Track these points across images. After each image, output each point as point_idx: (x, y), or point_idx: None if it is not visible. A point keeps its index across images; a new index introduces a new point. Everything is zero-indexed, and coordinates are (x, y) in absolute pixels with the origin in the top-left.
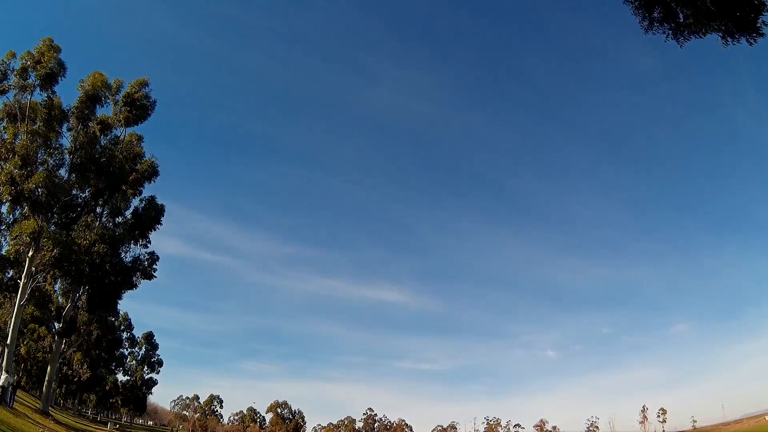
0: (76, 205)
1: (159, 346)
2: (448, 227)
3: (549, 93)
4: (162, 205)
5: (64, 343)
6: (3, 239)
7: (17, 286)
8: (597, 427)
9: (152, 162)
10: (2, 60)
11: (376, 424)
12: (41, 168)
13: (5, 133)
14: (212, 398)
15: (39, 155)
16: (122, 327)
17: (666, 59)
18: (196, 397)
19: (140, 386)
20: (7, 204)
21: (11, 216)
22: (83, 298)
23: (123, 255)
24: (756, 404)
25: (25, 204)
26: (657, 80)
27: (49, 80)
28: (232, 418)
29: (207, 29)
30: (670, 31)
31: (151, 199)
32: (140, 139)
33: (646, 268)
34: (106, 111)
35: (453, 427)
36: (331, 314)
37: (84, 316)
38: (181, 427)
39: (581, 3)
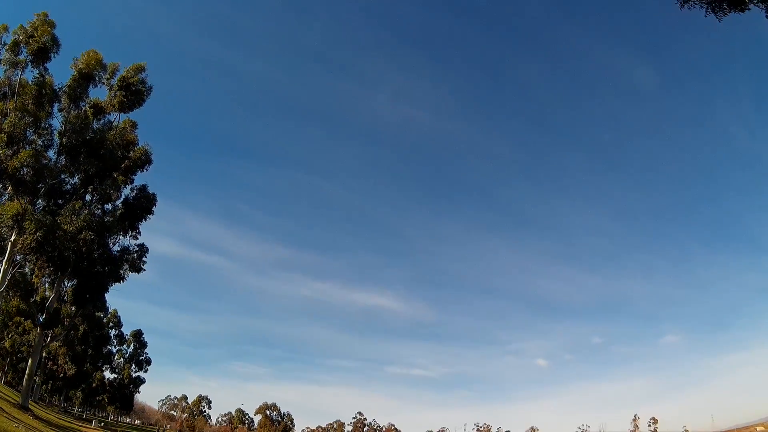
0: (64, 191)
1: (148, 345)
2: (441, 234)
3: (545, 102)
4: (154, 194)
5: (48, 336)
6: None
7: None
8: None
9: (146, 150)
10: None
11: (365, 428)
12: (28, 148)
13: None
14: (201, 399)
15: (28, 135)
16: (111, 324)
17: (662, 70)
18: (185, 397)
19: (127, 384)
20: None
21: None
22: (69, 290)
23: (111, 245)
24: (745, 415)
25: (8, 183)
26: (652, 91)
27: (41, 56)
28: (220, 419)
29: (206, 32)
30: (707, 5)
31: (143, 188)
32: (134, 125)
33: (637, 279)
34: (100, 95)
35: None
36: (322, 318)
37: (69, 309)
38: (168, 426)
39: (578, 14)
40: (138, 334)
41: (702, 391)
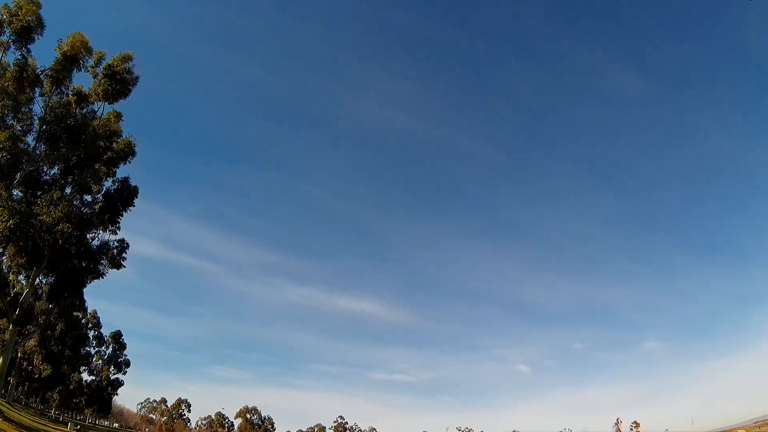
0: (42, 182)
1: (127, 346)
2: (426, 240)
3: (531, 108)
4: (135, 187)
5: (23, 334)
6: None
7: None
8: None
9: (129, 141)
10: None
11: None
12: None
13: None
14: (180, 402)
15: (6, 120)
16: (90, 325)
17: (647, 77)
18: (164, 401)
19: (105, 386)
20: None
21: None
22: (45, 287)
23: (90, 240)
24: (725, 420)
25: None
26: (637, 98)
27: (24, 35)
28: (200, 423)
29: (194, 32)
30: None
31: (125, 180)
32: (119, 116)
33: (620, 286)
34: (85, 84)
35: None
36: (305, 323)
37: (44, 305)
38: (147, 430)
39: (565, 20)
40: (117, 336)
41: (682, 396)
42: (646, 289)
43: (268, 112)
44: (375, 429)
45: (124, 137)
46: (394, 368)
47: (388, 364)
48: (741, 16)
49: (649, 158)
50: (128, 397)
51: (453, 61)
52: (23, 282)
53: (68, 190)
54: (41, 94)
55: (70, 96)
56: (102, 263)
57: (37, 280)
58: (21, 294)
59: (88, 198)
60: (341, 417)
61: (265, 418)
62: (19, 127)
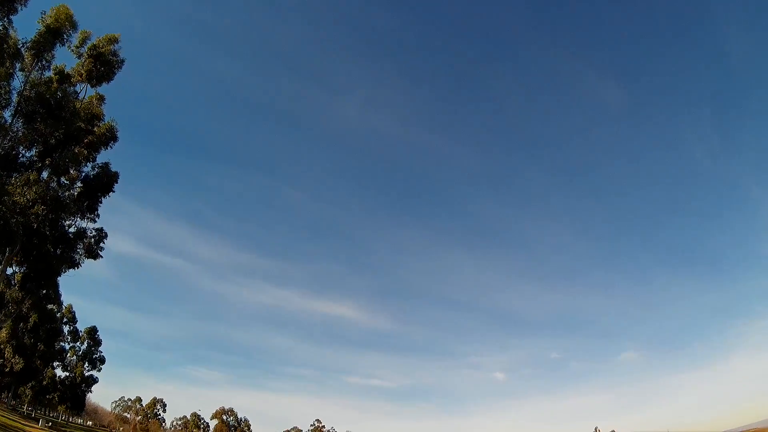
0: (19, 164)
1: (102, 343)
2: (404, 245)
3: (514, 117)
4: (116, 173)
5: None
6: None
7: None
8: None
9: (111, 126)
10: None
11: None
12: None
13: None
14: (155, 401)
15: None
16: (65, 319)
17: (631, 91)
18: (139, 399)
19: (80, 383)
20: None
21: None
22: (18, 276)
23: (67, 227)
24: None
25: None
26: (621, 114)
27: (6, 4)
28: (175, 423)
29: (175, 29)
30: None
31: (105, 166)
32: (102, 99)
33: (598, 297)
34: (68, 64)
35: None
36: (281, 325)
37: (16, 292)
38: (121, 429)
39: (551, 32)
40: (92, 331)
41: (659, 406)
42: (623, 301)
43: (250, 112)
44: None
45: (106, 121)
46: (370, 373)
47: (365, 369)
48: (721, 26)
49: (629, 167)
50: (102, 395)
51: (436, 65)
52: None
53: (45, 175)
54: (21, 69)
55: (52, 74)
56: (78, 251)
57: (9, 270)
58: None
59: (66, 182)
60: (318, 420)
61: (241, 420)
62: None
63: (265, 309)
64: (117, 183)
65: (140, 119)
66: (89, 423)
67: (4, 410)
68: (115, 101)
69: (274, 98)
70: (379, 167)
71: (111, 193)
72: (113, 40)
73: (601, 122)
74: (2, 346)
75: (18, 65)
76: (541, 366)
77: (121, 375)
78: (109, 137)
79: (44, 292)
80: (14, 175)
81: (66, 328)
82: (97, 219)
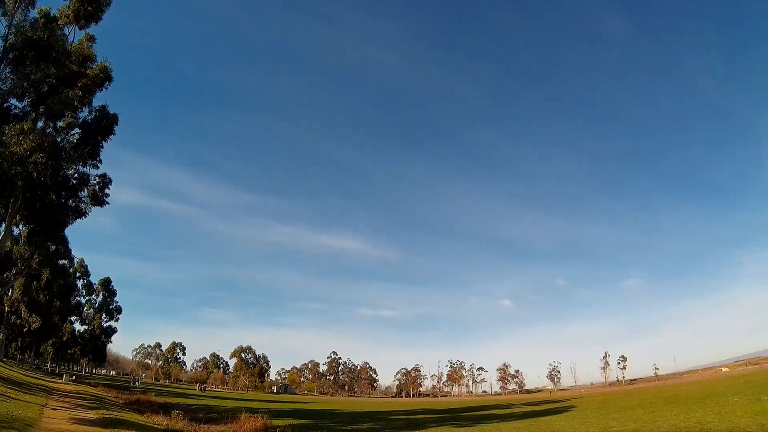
0: (12, 116)
1: (117, 293)
2: (407, 177)
3: (513, 46)
4: (115, 114)
5: (3, 282)
6: None
7: None
8: (559, 372)
9: (105, 66)
10: None
11: (340, 368)
12: None
13: None
14: (174, 345)
15: None
16: (78, 274)
17: (633, 18)
18: (158, 345)
19: (99, 335)
20: None
21: None
22: (24, 232)
23: (70, 175)
24: (705, 358)
25: None
26: (623, 39)
27: None
28: (195, 365)
29: None
30: None
31: (102, 108)
32: (92, 39)
33: (601, 224)
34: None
35: (417, 369)
36: (289, 262)
37: (23, 249)
38: (144, 375)
39: None
40: (106, 282)
41: (664, 333)
42: (627, 228)
43: (245, 53)
44: (368, 363)
45: (98, 62)
46: (380, 304)
47: (374, 300)
48: None
49: (634, 98)
50: (122, 345)
51: None
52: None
53: (40, 124)
54: (3, 14)
55: (38, 18)
56: (83, 200)
57: (16, 230)
58: None
59: (60, 123)
60: (334, 353)
61: (259, 357)
62: None
63: (272, 246)
64: (117, 125)
65: (133, 64)
66: (112, 372)
67: (27, 369)
68: (105, 46)
69: (270, 36)
70: (378, 99)
71: (112, 136)
72: None
73: (603, 49)
74: (17, 305)
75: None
76: (547, 292)
77: (138, 324)
78: (104, 78)
79: (54, 247)
80: (6, 127)
81: (80, 283)
82: (99, 165)
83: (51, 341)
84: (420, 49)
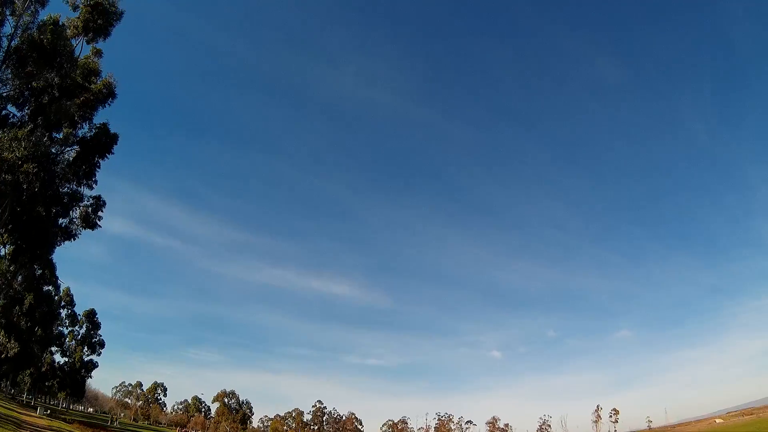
0: (9, 124)
1: (101, 326)
2: (400, 222)
3: (509, 92)
4: (115, 134)
5: None
6: None
7: None
8: (549, 426)
9: (109, 82)
10: None
11: (325, 417)
12: None
13: None
14: (156, 386)
15: None
16: (63, 303)
17: (632, 72)
18: (139, 384)
19: (79, 369)
20: None
21: None
22: (8, 251)
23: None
24: (697, 410)
25: None
26: (620, 92)
27: None
28: (176, 407)
29: (169, 2)
30: None
31: (103, 126)
32: (99, 53)
33: (593, 275)
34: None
35: (404, 421)
36: (278, 304)
37: (3, 265)
38: (123, 415)
39: (553, 7)
40: (91, 314)
41: (655, 384)
42: (619, 279)
43: (243, 87)
44: (354, 414)
45: (103, 77)
46: (368, 352)
47: (362, 348)
48: (724, 7)
49: (627, 146)
50: (102, 381)
51: (433, 40)
52: None
53: (38, 133)
54: (12, 13)
55: (46, 21)
56: (74, 220)
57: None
58: None
59: (59, 137)
60: (320, 401)
61: (243, 403)
62: None
63: (261, 288)
64: (116, 145)
65: (133, 96)
66: (90, 409)
67: (2, 399)
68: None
69: (268, 72)
70: (375, 142)
71: (110, 156)
72: None
73: (600, 99)
74: None
75: (8, 10)
76: (537, 343)
77: (120, 360)
78: (107, 94)
79: (40, 271)
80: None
81: (64, 312)
82: (94, 186)
83: (29, 371)
84: (419, 94)
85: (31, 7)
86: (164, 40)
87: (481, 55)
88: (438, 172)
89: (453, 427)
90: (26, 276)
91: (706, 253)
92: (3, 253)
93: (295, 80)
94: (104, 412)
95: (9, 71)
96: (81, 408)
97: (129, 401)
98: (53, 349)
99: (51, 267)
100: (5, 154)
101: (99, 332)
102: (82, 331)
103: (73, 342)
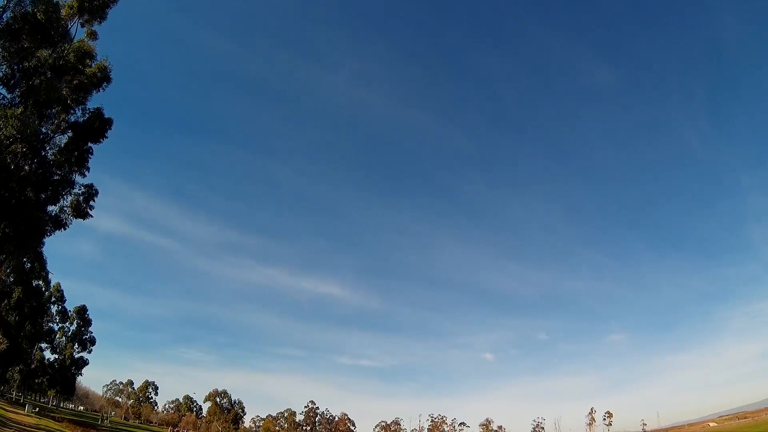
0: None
1: (92, 323)
2: (392, 224)
3: (504, 99)
4: (110, 119)
5: None
6: None
7: None
8: (543, 428)
9: (104, 66)
10: None
11: (317, 417)
12: None
13: None
14: (147, 384)
15: None
16: (53, 298)
17: (623, 76)
18: (130, 383)
19: (69, 366)
20: None
21: None
22: None
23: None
24: (689, 414)
25: None
26: (612, 96)
27: None
28: (167, 406)
29: (162, 2)
30: None
31: (97, 110)
32: (94, 35)
33: (585, 278)
34: None
35: (397, 423)
36: (269, 305)
37: None
38: (113, 413)
39: (545, 13)
40: (82, 311)
41: (647, 388)
42: (611, 282)
43: (236, 87)
44: (346, 414)
45: (98, 61)
46: (360, 353)
47: (355, 349)
48: (715, 12)
49: (619, 150)
50: (93, 379)
51: (426, 44)
52: None
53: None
54: None
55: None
56: (65, 209)
57: None
58: None
59: (50, 118)
60: (312, 402)
61: (235, 402)
62: None
63: (252, 288)
64: (110, 129)
65: (125, 94)
66: (80, 408)
67: None
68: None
69: (261, 72)
70: (367, 144)
71: (103, 139)
72: None
73: (593, 105)
74: None
75: None
76: (529, 346)
77: (110, 357)
78: (102, 78)
79: (29, 265)
80: None
81: (54, 308)
82: (86, 173)
83: (18, 368)
84: (412, 96)
85: None
86: (157, 40)
87: (474, 59)
88: (430, 174)
89: (446, 429)
90: (14, 267)
91: (698, 258)
92: None
93: (289, 81)
94: (95, 411)
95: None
96: (71, 406)
97: (120, 400)
98: (43, 345)
99: (41, 260)
100: None
101: (90, 329)
102: (73, 327)
103: (64, 338)
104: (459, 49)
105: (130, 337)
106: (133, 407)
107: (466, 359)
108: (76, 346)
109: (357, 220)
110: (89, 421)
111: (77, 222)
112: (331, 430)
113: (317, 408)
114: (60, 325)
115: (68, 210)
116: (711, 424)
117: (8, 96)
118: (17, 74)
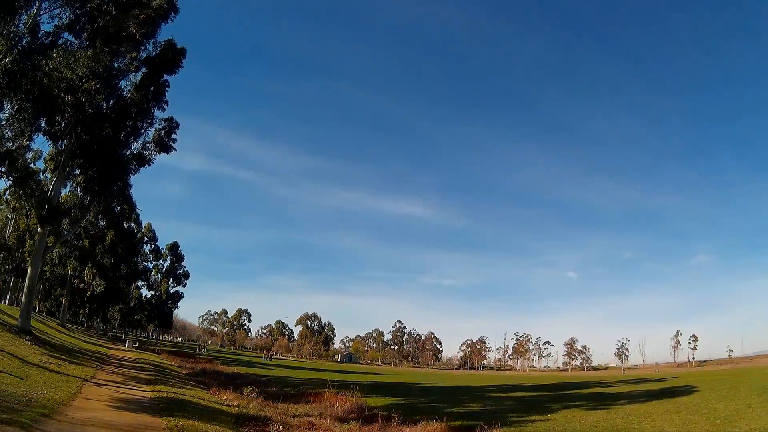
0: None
1: (185, 258)
2: (472, 141)
3: (583, 8)
4: (183, 48)
5: (59, 232)
6: None
7: None
8: (627, 349)
9: None
10: None
11: (404, 336)
12: None
13: None
14: (240, 312)
15: None
16: (145, 239)
17: None
18: (225, 312)
19: (165, 300)
20: None
21: None
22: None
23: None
24: None
25: None
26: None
27: None
28: (260, 332)
29: None
30: None
31: (169, 42)
32: None
33: (672, 195)
34: None
35: (482, 341)
36: (353, 228)
37: (75, 197)
38: (210, 342)
39: None
40: (174, 247)
41: (733, 313)
42: (699, 200)
43: (303, 14)
44: (433, 333)
45: None
46: (443, 272)
47: (438, 269)
48: (713, 10)
49: (709, 62)
50: (189, 311)
51: None
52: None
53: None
54: None
55: None
56: (147, 145)
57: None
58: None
59: (123, 62)
60: (399, 322)
61: (325, 324)
62: None
63: (336, 212)
64: (185, 58)
65: (195, 31)
66: (179, 339)
67: (92, 335)
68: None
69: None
70: (440, 60)
71: (179, 69)
72: None
73: (678, 10)
74: (81, 272)
75: None
76: (613, 265)
77: (204, 289)
78: (168, 9)
79: (118, 208)
80: (55, 51)
81: (147, 247)
82: (165, 107)
83: (117, 307)
84: (486, 8)
85: None
86: None
87: None
88: (510, 89)
89: (531, 348)
90: (104, 211)
91: None
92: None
93: (357, 3)
94: (192, 341)
95: None
96: (170, 338)
97: (215, 329)
98: (139, 283)
99: (130, 202)
100: (64, 71)
101: (183, 264)
102: (167, 264)
103: (159, 275)
104: None
105: (222, 269)
106: (228, 335)
107: (550, 278)
108: (171, 281)
109: (436, 138)
110: (187, 351)
111: (163, 163)
112: (418, 348)
113: (404, 327)
114: (154, 262)
115: (150, 146)
116: None
117: (76, 42)
118: (82, 18)
